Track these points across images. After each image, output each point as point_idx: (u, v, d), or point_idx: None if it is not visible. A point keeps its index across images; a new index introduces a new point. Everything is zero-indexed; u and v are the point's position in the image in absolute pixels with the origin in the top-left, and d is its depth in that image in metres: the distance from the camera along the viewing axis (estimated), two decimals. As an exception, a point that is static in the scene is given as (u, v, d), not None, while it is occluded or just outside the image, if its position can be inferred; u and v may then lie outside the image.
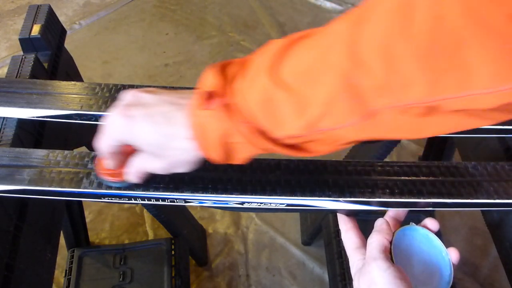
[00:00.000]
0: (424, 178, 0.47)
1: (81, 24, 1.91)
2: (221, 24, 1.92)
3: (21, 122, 0.55)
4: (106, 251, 1.00)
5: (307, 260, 1.22)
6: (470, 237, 1.25)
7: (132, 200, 0.46)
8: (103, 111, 0.52)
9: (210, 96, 0.33)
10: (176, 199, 0.45)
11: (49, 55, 0.67)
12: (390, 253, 0.44)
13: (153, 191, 0.45)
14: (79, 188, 0.44)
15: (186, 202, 0.46)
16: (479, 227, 1.26)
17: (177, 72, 1.72)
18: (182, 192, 0.45)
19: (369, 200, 0.45)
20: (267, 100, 0.31)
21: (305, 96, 0.30)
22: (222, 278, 1.19)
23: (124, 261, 0.98)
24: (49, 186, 0.44)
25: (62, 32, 0.73)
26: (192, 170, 0.38)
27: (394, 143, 0.93)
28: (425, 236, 0.47)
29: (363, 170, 0.47)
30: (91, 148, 0.85)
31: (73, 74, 0.76)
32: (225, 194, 0.45)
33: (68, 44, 0.74)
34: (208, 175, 0.46)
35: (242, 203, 0.46)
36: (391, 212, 0.50)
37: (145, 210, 1.28)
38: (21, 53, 0.65)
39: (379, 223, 0.48)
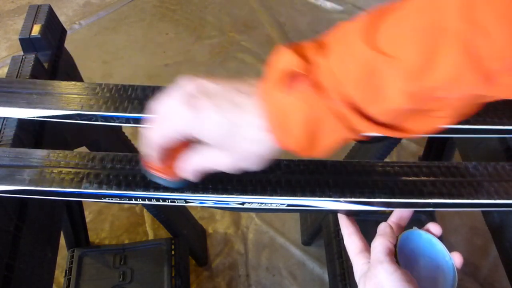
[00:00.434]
0: (425, 178, 0.47)
1: (81, 24, 1.91)
2: (221, 24, 1.92)
3: (21, 122, 0.55)
4: (106, 251, 1.00)
5: (307, 260, 1.22)
6: (470, 237, 1.25)
7: (132, 200, 0.46)
8: (103, 111, 0.52)
9: (293, 76, 0.30)
10: (176, 199, 0.45)
11: (49, 55, 0.67)
12: (395, 256, 0.44)
13: (153, 191, 0.45)
14: (79, 188, 0.44)
15: (186, 202, 0.46)
16: (479, 227, 1.26)
17: (177, 72, 1.72)
18: (182, 192, 0.45)
19: (369, 200, 0.45)
20: (367, 71, 0.28)
21: (417, 62, 0.27)
22: (222, 278, 1.19)
23: (124, 261, 0.98)
24: (49, 186, 0.44)
25: (62, 32, 0.73)
26: (260, 168, 0.35)
27: (394, 143, 0.93)
28: (428, 241, 0.47)
29: (364, 170, 0.47)
30: (91, 148, 0.85)
31: (73, 74, 0.76)
32: (226, 194, 0.45)
33: (68, 44, 0.74)
34: (208, 175, 0.46)
35: (243, 203, 0.46)
36: (394, 217, 0.50)
37: (145, 210, 1.28)
38: (21, 53, 0.65)
39: (382, 227, 0.47)
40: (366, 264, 0.45)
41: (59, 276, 1.08)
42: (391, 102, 0.29)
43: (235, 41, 1.84)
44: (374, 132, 0.31)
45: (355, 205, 0.46)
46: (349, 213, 0.50)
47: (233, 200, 0.45)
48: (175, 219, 1.00)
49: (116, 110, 0.52)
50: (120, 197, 0.45)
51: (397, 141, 0.98)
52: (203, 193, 0.44)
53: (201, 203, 0.46)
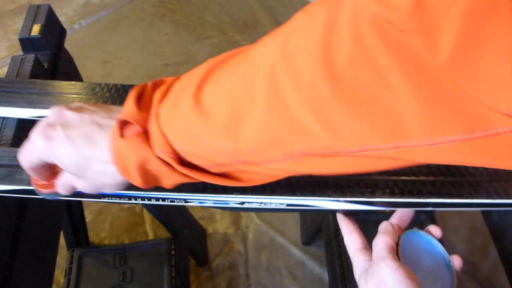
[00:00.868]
0: (424, 178, 0.47)
1: (81, 24, 1.91)
2: (221, 24, 1.92)
3: (21, 122, 0.55)
4: (106, 251, 1.00)
5: (307, 260, 1.22)
6: (470, 237, 1.25)
7: (132, 200, 0.46)
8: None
9: (125, 123, 0.32)
10: (176, 199, 0.45)
11: (49, 55, 0.67)
12: (397, 254, 0.43)
13: (153, 191, 0.45)
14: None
15: (186, 202, 0.46)
16: (479, 227, 1.26)
17: (177, 72, 1.72)
18: (182, 192, 0.45)
19: (369, 200, 0.45)
20: (185, 127, 0.30)
21: (224, 124, 0.28)
22: (222, 278, 1.19)
23: (124, 261, 0.98)
24: (49, 186, 0.44)
25: (62, 32, 0.73)
26: (120, 190, 0.37)
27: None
28: (428, 242, 0.47)
29: (363, 170, 0.47)
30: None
31: (73, 74, 0.76)
32: (225, 194, 0.45)
33: (68, 44, 0.74)
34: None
35: (242, 203, 0.46)
36: (394, 218, 0.50)
37: (145, 210, 1.28)
38: (21, 53, 0.65)
39: (384, 225, 0.47)
40: (366, 261, 0.45)
41: (59, 276, 1.08)
42: (205, 156, 0.31)
43: (235, 41, 1.84)
44: (208, 181, 0.33)
45: (355, 205, 0.46)
46: (349, 213, 0.50)
47: (233, 200, 0.45)
48: (175, 219, 1.00)
49: (116, 110, 0.52)
50: (120, 197, 0.45)
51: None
52: (202, 193, 0.44)
53: (200, 202, 0.46)
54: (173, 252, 0.99)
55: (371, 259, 0.44)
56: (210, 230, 1.28)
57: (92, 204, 1.29)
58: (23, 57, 0.62)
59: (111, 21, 1.92)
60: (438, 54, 0.18)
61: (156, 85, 0.35)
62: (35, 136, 0.35)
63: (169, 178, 0.34)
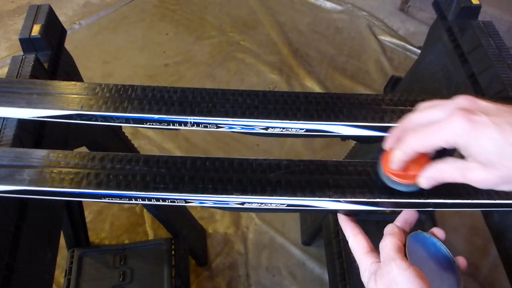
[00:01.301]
0: (425, 178, 0.46)
1: (81, 24, 1.91)
2: (221, 24, 1.92)
3: (21, 122, 0.55)
4: (106, 251, 1.00)
5: (307, 260, 1.22)
6: (470, 237, 1.25)
7: (132, 200, 0.46)
8: (103, 111, 0.52)
9: None
10: (176, 199, 0.45)
11: (49, 55, 0.67)
12: (405, 255, 0.43)
13: (153, 191, 0.45)
14: (79, 188, 0.44)
15: (186, 202, 0.46)
16: (479, 227, 1.26)
17: (177, 72, 1.72)
18: (182, 192, 0.44)
19: (369, 200, 0.45)
20: None
21: None
22: (222, 278, 1.19)
23: (124, 261, 0.98)
24: (49, 186, 0.44)
25: (62, 32, 0.73)
26: None
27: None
28: (432, 244, 0.47)
29: (364, 170, 0.47)
30: (91, 148, 0.85)
31: (73, 74, 0.76)
32: (226, 194, 0.45)
33: (68, 44, 0.74)
34: (208, 175, 0.46)
35: (243, 203, 0.46)
36: (399, 221, 0.49)
37: (145, 210, 1.28)
38: (21, 53, 0.65)
39: (390, 227, 0.47)
40: (375, 263, 0.45)
41: (59, 276, 1.08)
42: None
43: (235, 41, 1.84)
44: None
45: (355, 205, 0.46)
46: (349, 213, 0.50)
47: (233, 200, 0.45)
48: (175, 219, 1.00)
49: (116, 110, 0.52)
50: (120, 197, 0.45)
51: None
52: (203, 193, 0.44)
53: (201, 203, 0.46)
54: (173, 252, 0.99)
55: (379, 261, 0.44)
56: (210, 230, 1.28)
57: (92, 204, 1.29)
58: (23, 57, 0.62)
59: (111, 21, 1.92)
60: None
61: None
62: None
63: None
